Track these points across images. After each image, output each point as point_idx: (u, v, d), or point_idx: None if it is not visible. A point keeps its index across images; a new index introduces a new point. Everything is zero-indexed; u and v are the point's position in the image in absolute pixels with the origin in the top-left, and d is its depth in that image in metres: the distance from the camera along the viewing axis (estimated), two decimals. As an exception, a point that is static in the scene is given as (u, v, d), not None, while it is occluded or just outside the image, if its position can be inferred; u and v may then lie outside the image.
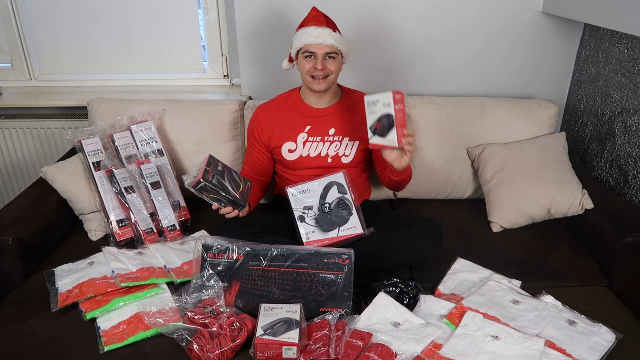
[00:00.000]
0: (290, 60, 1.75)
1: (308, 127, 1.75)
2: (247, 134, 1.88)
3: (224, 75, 2.50)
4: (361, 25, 2.14)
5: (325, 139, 1.75)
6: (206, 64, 2.48)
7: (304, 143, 1.75)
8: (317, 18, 1.64)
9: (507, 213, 1.88)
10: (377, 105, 1.51)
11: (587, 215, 1.82)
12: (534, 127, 2.06)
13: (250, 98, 2.30)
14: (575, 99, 2.25)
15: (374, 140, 1.55)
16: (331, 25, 1.65)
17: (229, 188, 1.51)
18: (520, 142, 2.04)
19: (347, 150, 1.76)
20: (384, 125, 1.50)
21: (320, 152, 1.75)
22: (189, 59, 2.45)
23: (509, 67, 2.24)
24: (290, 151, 1.76)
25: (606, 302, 1.54)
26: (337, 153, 1.76)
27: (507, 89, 2.28)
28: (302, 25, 1.66)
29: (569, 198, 1.83)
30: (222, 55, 2.44)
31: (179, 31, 2.39)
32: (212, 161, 1.53)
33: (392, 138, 1.49)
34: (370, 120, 1.54)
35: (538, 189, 1.86)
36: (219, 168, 1.53)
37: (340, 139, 1.75)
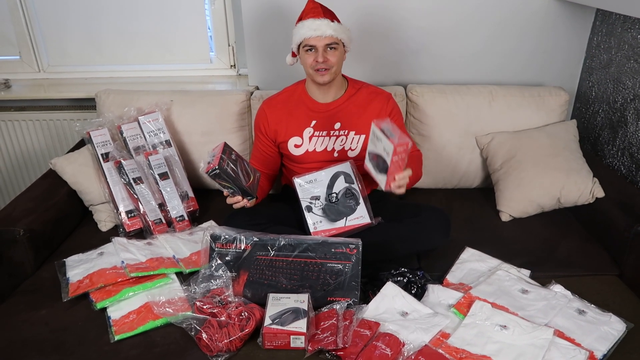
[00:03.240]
0: (294, 55, 1.74)
1: (314, 122, 1.74)
2: (253, 128, 1.88)
3: (231, 66, 2.49)
4: (367, 14, 2.12)
5: (331, 134, 1.74)
6: (213, 55, 2.47)
7: (310, 138, 1.74)
8: (314, 10, 1.62)
9: (516, 202, 1.87)
10: (380, 143, 1.43)
11: (598, 204, 1.80)
12: (544, 115, 2.04)
13: (257, 88, 2.30)
14: (586, 86, 2.22)
15: (368, 165, 1.52)
16: (329, 15, 1.62)
17: (242, 177, 1.51)
18: (530, 131, 2.01)
19: (353, 145, 1.75)
20: (379, 164, 1.46)
21: (326, 147, 1.75)
22: (196, 50, 2.45)
23: (518, 54, 2.21)
24: (296, 146, 1.76)
25: (616, 292, 1.53)
26: (343, 147, 1.75)
27: (517, 77, 2.25)
28: (300, 19, 1.64)
29: (580, 187, 1.81)
30: (229, 46, 2.44)
31: (186, 21, 2.39)
32: (227, 149, 1.51)
33: (381, 179, 1.46)
34: (370, 147, 1.50)
35: (548, 177, 1.84)
36: (233, 157, 1.52)
37: (346, 134, 1.74)
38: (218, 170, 1.44)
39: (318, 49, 1.60)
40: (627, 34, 1.93)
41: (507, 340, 1.31)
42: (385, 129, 1.41)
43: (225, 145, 1.52)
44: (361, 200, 1.64)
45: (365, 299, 1.49)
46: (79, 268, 1.57)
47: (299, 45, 1.65)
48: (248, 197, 1.55)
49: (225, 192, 1.53)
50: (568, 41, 2.18)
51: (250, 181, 1.54)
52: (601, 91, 2.11)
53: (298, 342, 1.31)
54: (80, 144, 2.09)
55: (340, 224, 1.62)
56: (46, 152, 2.52)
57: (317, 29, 1.58)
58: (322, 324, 1.36)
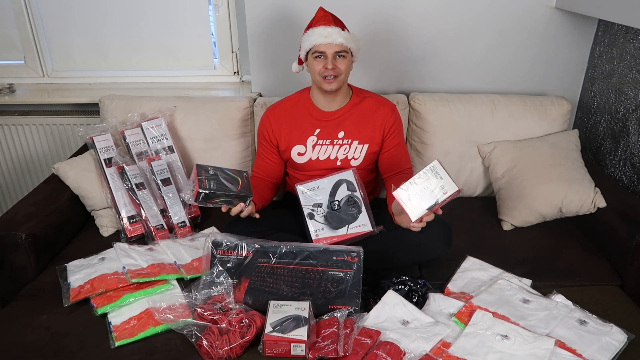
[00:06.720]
0: (300, 62, 1.75)
1: (317, 131, 1.74)
2: (257, 135, 1.88)
3: (234, 72, 2.50)
4: (371, 22, 2.13)
5: (335, 142, 1.74)
6: (216, 61, 2.49)
7: (314, 146, 1.75)
8: (325, 18, 1.63)
9: (518, 211, 1.87)
10: (437, 180, 1.42)
11: (600, 214, 1.80)
12: (546, 124, 2.04)
13: (260, 95, 2.31)
14: (588, 96, 2.23)
15: (402, 194, 1.44)
16: (339, 24, 1.64)
17: (229, 186, 1.49)
18: (532, 140, 2.02)
19: (357, 154, 1.75)
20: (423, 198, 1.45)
21: (329, 156, 1.75)
22: (200, 56, 2.46)
23: (521, 63, 2.22)
24: (299, 154, 1.76)
25: (618, 302, 1.52)
26: (347, 156, 1.75)
27: (519, 86, 2.25)
28: (310, 26, 1.65)
29: (582, 196, 1.81)
30: (233, 52, 2.45)
31: (190, 28, 2.40)
32: (201, 169, 1.51)
33: (415, 213, 1.43)
34: (419, 180, 1.43)
35: (550, 187, 1.84)
36: (211, 172, 1.51)
37: (349, 142, 1.74)
38: (203, 192, 1.44)
39: (328, 56, 1.61)
40: (629, 45, 1.93)
41: (508, 350, 1.31)
42: (447, 173, 1.42)
43: (198, 166, 1.51)
44: (363, 208, 1.64)
45: (366, 307, 1.49)
46: (80, 273, 1.58)
47: (307, 52, 1.65)
48: (246, 201, 1.53)
49: (224, 207, 1.53)
50: (570, 51, 2.19)
51: (240, 185, 1.52)
52: (603, 101, 2.11)
53: (298, 350, 1.30)
54: (83, 149, 2.10)
55: (342, 231, 1.62)
56: (49, 157, 2.53)
57: (328, 36, 1.59)
58: (322, 331, 1.35)
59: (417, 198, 1.43)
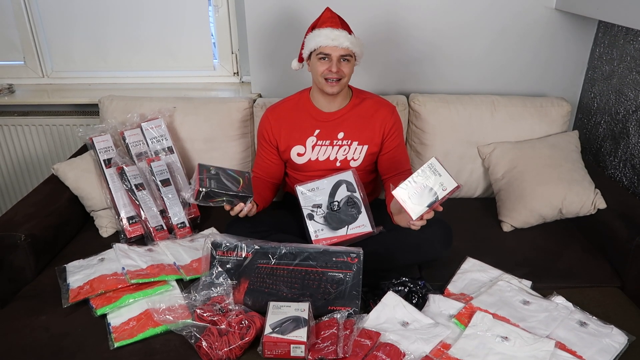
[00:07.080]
0: (300, 60, 1.74)
1: (317, 131, 1.74)
2: (257, 136, 1.88)
3: (234, 73, 2.50)
4: (371, 23, 2.13)
5: (334, 143, 1.74)
6: (216, 62, 2.49)
7: (313, 147, 1.75)
8: (332, 20, 1.62)
9: (518, 212, 1.87)
10: (436, 177, 1.42)
11: (600, 215, 1.80)
12: (546, 125, 2.04)
13: (260, 96, 2.30)
14: (588, 97, 2.22)
15: (401, 193, 1.43)
16: (346, 27, 1.64)
17: (230, 186, 1.49)
18: (532, 141, 2.02)
19: (356, 155, 1.75)
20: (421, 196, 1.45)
21: (329, 156, 1.75)
22: (199, 57, 2.46)
23: (520, 64, 2.22)
24: (299, 155, 1.76)
25: (618, 304, 1.52)
26: (346, 157, 1.75)
27: (518, 87, 2.25)
28: (315, 26, 1.64)
29: (582, 198, 1.81)
30: (232, 53, 2.45)
31: (190, 29, 2.40)
32: (203, 168, 1.51)
33: (416, 211, 1.42)
34: (418, 178, 1.43)
35: (550, 188, 1.84)
36: (212, 172, 1.51)
37: (349, 143, 1.74)
38: (204, 191, 1.44)
39: (332, 59, 1.60)
40: (629, 46, 1.93)
41: (508, 351, 1.31)
42: (444, 169, 1.42)
43: (200, 165, 1.51)
44: (363, 209, 1.64)
45: (366, 308, 1.49)
46: (80, 274, 1.57)
47: (311, 52, 1.64)
48: (247, 201, 1.53)
49: (226, 206, 1.53)
50: (570, 52, 2.19)
51: (240, 185, 1.52)
52: (603, 102, 2.11)
53: (298, 351, 1.30)
54: (83, 149, 2.10)
55: (342, 232, 1.62)
56: (48, 158, 2.53)
57: (335, 39, 1.58)
58: (322, 333, 1.35)
59: (417, 196, 1.43)
